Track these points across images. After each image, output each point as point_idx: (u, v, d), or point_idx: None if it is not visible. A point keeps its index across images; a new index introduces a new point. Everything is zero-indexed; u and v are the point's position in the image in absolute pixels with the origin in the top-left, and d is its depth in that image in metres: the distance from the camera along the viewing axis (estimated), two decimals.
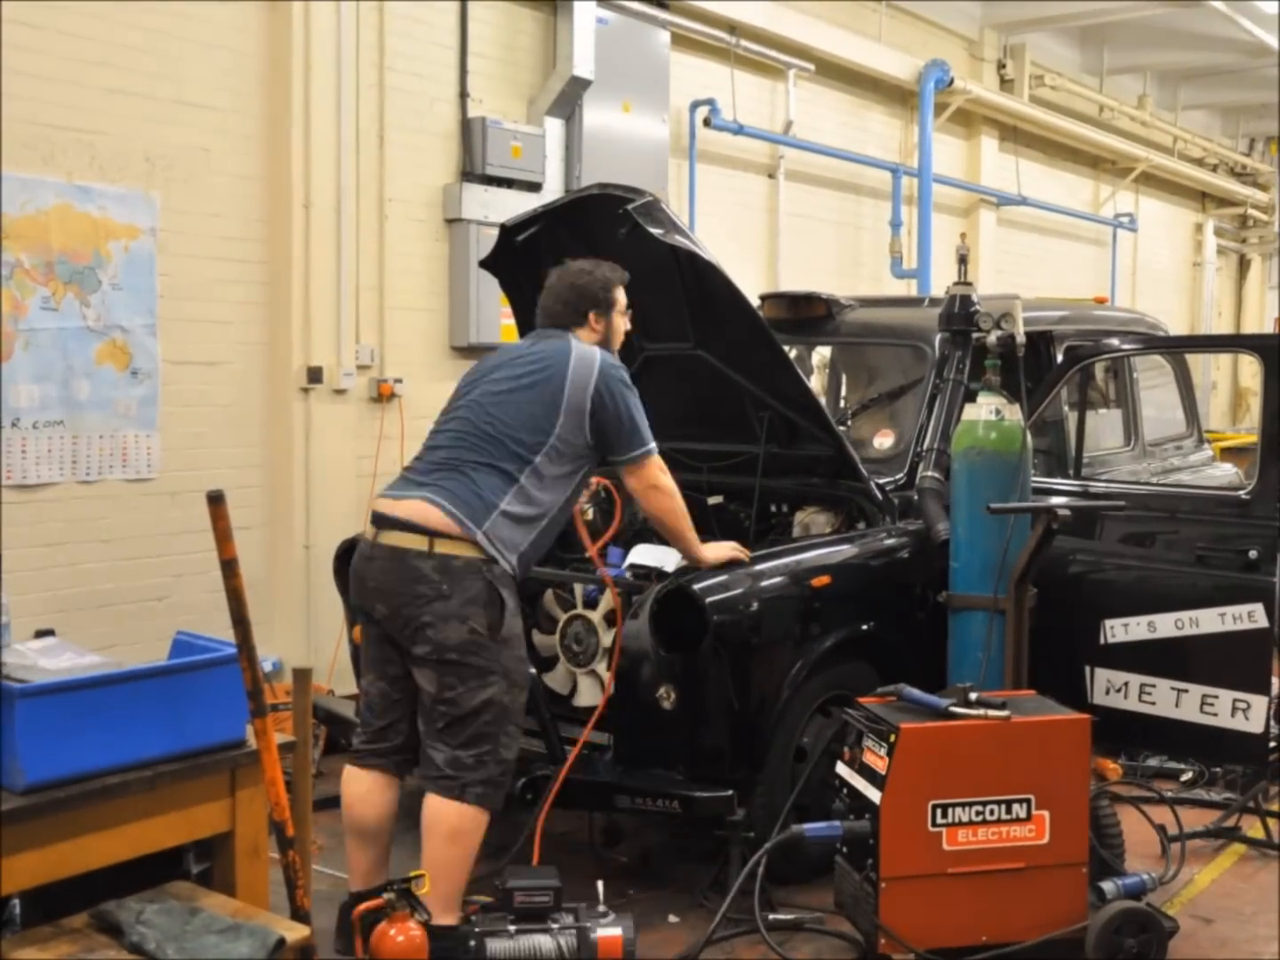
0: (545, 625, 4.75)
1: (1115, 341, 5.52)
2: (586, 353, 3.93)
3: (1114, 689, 4.59)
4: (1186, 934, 4.10)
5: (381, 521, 3.80)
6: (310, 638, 6.02)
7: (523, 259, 4.96)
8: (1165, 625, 4.50)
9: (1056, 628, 4.73)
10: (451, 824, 3.67)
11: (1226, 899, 4.40)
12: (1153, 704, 4.54)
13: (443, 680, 3.65)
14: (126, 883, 2.82)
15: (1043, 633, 4.76)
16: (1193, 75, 13.93)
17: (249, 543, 5.96)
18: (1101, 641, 4.62)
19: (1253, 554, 4.40)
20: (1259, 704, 4.36)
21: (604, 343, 4.08)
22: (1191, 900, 4.38)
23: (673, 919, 4.17)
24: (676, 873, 4.52)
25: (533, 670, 4.42)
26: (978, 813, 3.70)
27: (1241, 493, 4.65)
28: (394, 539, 3.73)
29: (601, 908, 3.63)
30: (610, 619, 4.54)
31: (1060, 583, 4.74)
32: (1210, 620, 4.42)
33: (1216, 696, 4.43)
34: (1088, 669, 4.64)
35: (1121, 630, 4.58)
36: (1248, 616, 4.36)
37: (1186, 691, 4.47)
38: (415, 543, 3.69)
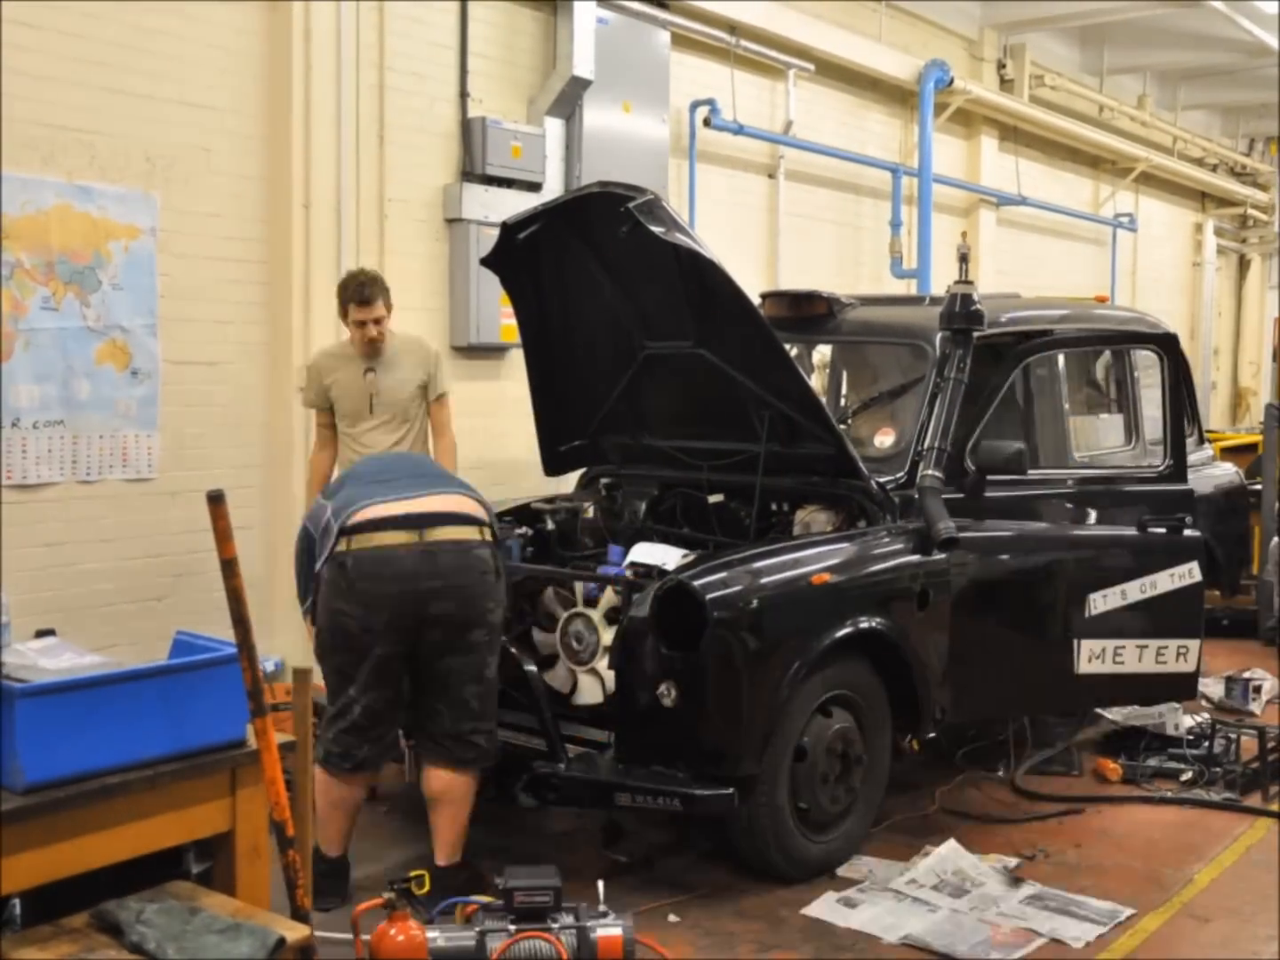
0: (545, 623, 4.75)
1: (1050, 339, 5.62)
2: None
3: (1095, 656, 5.05)
4: (1186, 933, 4.11)
5: (425, 520, 3.96)
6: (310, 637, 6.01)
7: (524, 257, 4.97)
8: (1133, 592, 5.11)
9: (1047, 609, 5.08)
10: (470, 791, 4.14)
11: (1226, 899, 4.40)
12: (1123, 663, 5.08)
13: (487, 660, 4.08)
14: (127, 883, 2.82)
15: (1035, 615, 5.09)
16: (1192, 75, 13.93)
17: (249, 543, 5.95)
18: (1087, 615, 5.04)
19: (1188, 520, 5.22)
20: (1194, 646, 5.18)
21: None
22: (1191, 900, 4.38)
23: (673, 918, 4.16)
24: (676, 872, 4.51)
25: (533, 668, 4.43)
26: None
27: (1161, 466, 5.51)
28: (452, 533, 3.99)
29: (602, 907, 3.63)
30: (611, 617, 4.54)
31: (1050, 566, 5.09)
32: (1164, 581, 5.13)
33: (1167, 647, 5.12)
34: (1075, 642, 5.04)
35: (1102, 601, 5.06)
36: (1188, 574, 5.18)
37: (1147, 647, 5.08)
38: (473, 534, 4.04)
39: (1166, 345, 5.93)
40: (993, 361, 5.28)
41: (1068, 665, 5.02)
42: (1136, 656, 5.10)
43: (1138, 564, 5.17)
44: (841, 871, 4.48)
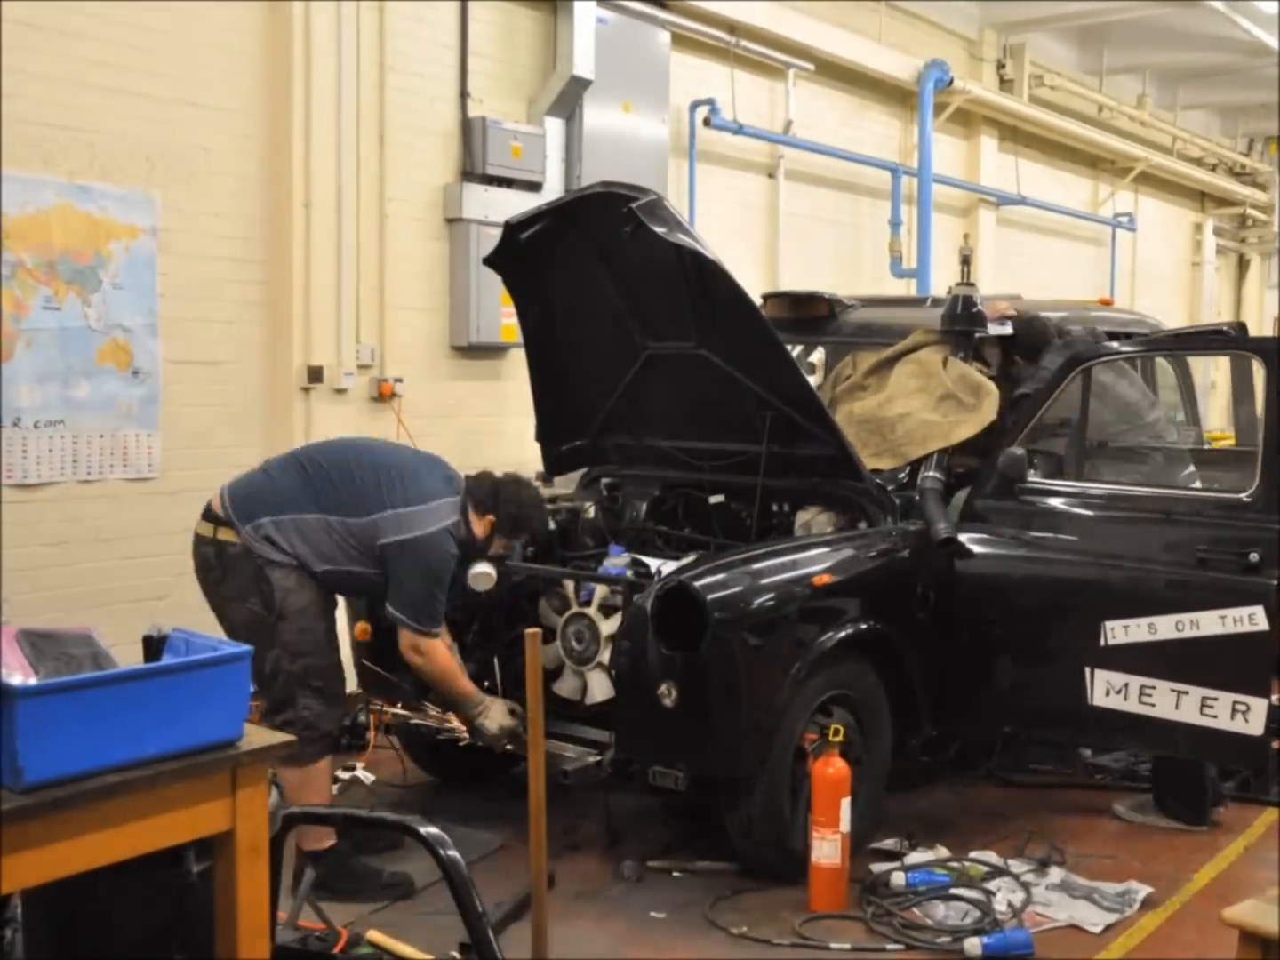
0: (544, 636, 4.75)
1: (1115, 344, 5.50)
2: (436, 519, 4.20)
3: (1114, 690, 4.54)
4: (1186, 932, 4.12)
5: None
6: None
7: (526, 256, 4.96)
8: (1166, 627, 4.45)
9: (1056, 629, 4.73)
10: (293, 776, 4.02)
11: (1226, 898, 4.38)
12: (1153, 706, 4.48)
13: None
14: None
15: (1042, 633, 4.76)
16: (1192, 75, 13.93)
17: None
18: (1102, 643, 4.55)
19: (1253, 557, 4.36)
20: (1258, 706, 4.31)
21: (470, 539, 4.33)
22: (1191, 899, 4.38)
23: (671, 918, 4.15)
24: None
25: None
26: None
27: (1243, 495, 4.61)
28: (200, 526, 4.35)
29: None
30: (606, 609, 4.54)
31: (1060, 584, 4.74)
32: (1211, 622, 4.37)
33: (1216, 699, 4.37)
34: (1088, 670, 4.58)
35: (1122, 632, 4.52)
36: (1248, 619, 4.31)
37: (1186, 694, 4.42)
38: (204, 529, 4.33)
39: None
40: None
41: (1077, 693, 4.60)
42: (1172, 702, 4.44)
43: (1171, 597, 4.51)
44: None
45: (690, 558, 4.64)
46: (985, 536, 4.86)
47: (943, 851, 4.58)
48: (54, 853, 2.59)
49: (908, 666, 4.66)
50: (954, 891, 4.24)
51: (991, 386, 5.04)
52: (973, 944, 3.87)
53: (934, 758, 5.37)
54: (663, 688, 4.11)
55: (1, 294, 5.04)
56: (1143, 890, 4.34)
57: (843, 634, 4.41)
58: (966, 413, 4.98)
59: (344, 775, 5.07)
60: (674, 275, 4.66)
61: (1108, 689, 4.55)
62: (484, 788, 5.07)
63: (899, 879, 4.30)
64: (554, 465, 5.71)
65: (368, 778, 5.15)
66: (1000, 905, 4.19)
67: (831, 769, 4.16)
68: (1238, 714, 4.34)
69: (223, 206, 5.83)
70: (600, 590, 4.58)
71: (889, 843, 4.64)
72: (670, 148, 8.06)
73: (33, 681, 2.63)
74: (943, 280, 9.00)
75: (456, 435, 6.85)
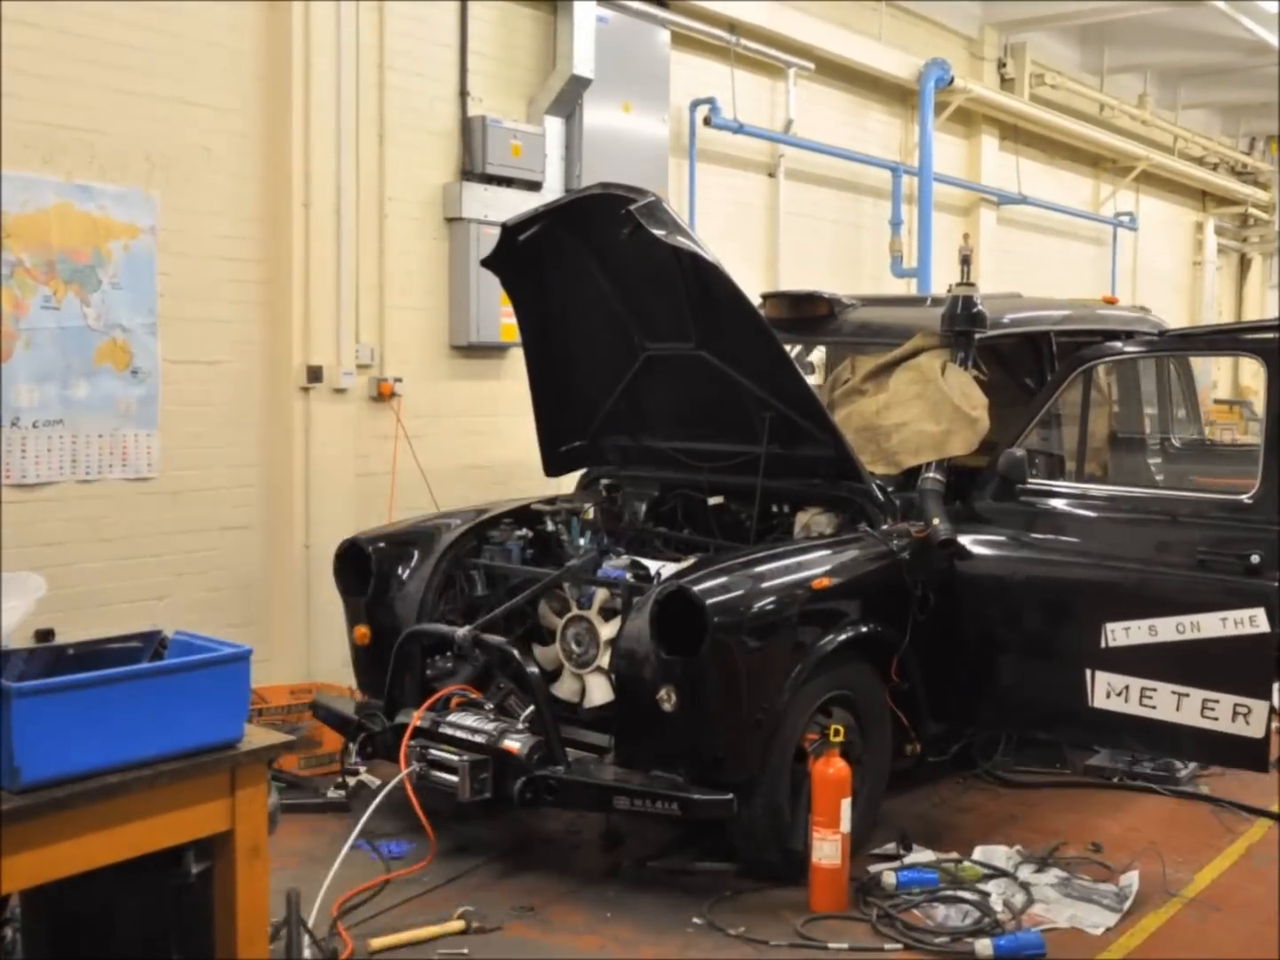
0: (545, 637, 4.75)
1: (1118, 344, 5.49)
2: None
3: (1115, 692, 4.53)
4: (1187, 932, 4.12)
5: None
6: (310, 637, 6.02)
7: (525, 258, 4.96)
8: (1166, 629, 4.43)
9: (1057, 631, 4.73)
10: None
11: (1227, 898, 4.39)
12: (1154, 708, 4.47)
13: None
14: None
15: (1043, 635, 4.75)
16: (1193, 74, 13.93)
17: (248, 542, 5.96)
18: (1103, 645, 4.54)
19: (1254, 558, 4.35)
20: (1259, 708, 4.30)
21: None
22: (1192, 899, 4.37)
23: (670, 918, 4.16)
24: (675, 873, 4.51)
25: (534, 669, 4.42)
26: None
27: (1244, 497, 4.59)
28: None
29: None
30: (606, 613, 4.54)
31: (1061, 585, 4.73)
32: (1211, 625, 4.36)
33: (1217, 701, 4.36)
34: (1089, 672, 4.57)
35: (1123, 634, 4.51)
36: (1249, 621, 4.30)
37: (1187, 696, 4.41)
38: None
39: None
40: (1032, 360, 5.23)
41: (1078, 695, 4.60)
42: (1173, 704, 4.42)
43: (1171, 599, 4.49)
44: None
45: (690, 560, 4.63)
46: (986, 538, 4.86)
47: (947, 852, 4.58)
48: (54, 853, 2.60)
49: (908, 668, 4.66)
50: (956, 893, 4.23)
51: (984, 399, 5.02)
52: (984, 945, 3.86)
53: (935, 757, 5.38)
54: (662, 692, 4.10)
55: (1, 293, 5.04)
56: (1133, 887, 4.33)
57: (843, 636, 4.40)
58: (962, 425, 4.96)
59: (350, 780, 5.07)
60: (672, 276, 4.65)
61: (1108, 691, 4.54)
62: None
63: (889, 878, 4.30)
64: (553, 466, 5.71)
65: (373, 781, 5.13)
66: (999, 906, 4.19)
67: (832, 769, 4.15)
68: (1239, 716, 4.33)
69: (223, 206, 5.83)
70: (600, 593, 4.57)
71: (889, 847, 4.64)
72: (670, 147, 8.06)
73: (30, 681, 2.63)
74: (943, 279, 8.99)
75: (456, 435, 6.85)
